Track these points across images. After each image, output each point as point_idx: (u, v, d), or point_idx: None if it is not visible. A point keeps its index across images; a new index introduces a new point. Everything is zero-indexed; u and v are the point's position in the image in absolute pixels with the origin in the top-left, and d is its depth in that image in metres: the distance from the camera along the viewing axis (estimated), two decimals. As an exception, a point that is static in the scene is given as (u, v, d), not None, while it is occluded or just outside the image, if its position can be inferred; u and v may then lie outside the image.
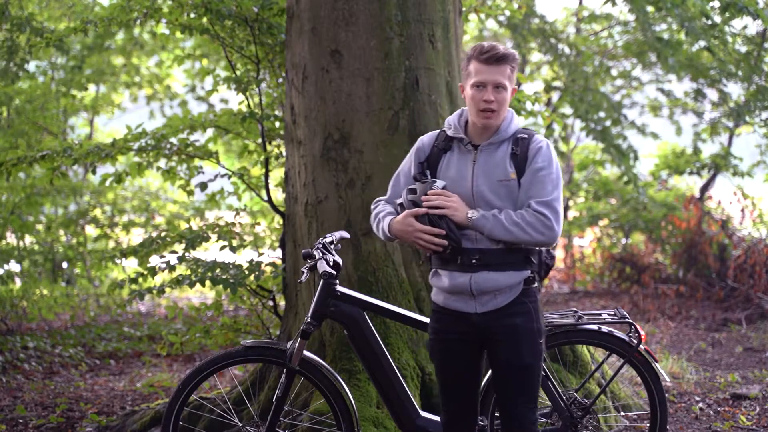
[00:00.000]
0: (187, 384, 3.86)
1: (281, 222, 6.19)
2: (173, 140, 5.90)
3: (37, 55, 9.64)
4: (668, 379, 4.54)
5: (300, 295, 5.00)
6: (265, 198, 5.97)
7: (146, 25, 7.08)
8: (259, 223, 10.69)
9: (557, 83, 12.26)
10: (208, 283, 5.18)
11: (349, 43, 4.88)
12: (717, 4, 8.25)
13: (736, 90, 11.34)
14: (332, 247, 3.89)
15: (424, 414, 3.89)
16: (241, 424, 4.18)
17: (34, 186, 10.51)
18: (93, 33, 9.51)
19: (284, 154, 5.54)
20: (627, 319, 4.01)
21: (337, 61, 4.89)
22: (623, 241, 12.51)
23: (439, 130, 3.54)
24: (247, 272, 5.24)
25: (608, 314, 4.07)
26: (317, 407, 4.42)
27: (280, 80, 5.99)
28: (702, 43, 8.74)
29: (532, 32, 11.31)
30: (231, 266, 5.28)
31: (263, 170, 6.04)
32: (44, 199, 11.17)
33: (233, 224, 5.84)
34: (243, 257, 6.02)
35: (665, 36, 10.35)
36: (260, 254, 5.90)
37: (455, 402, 3.47)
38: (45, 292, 10.59)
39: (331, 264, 3.77)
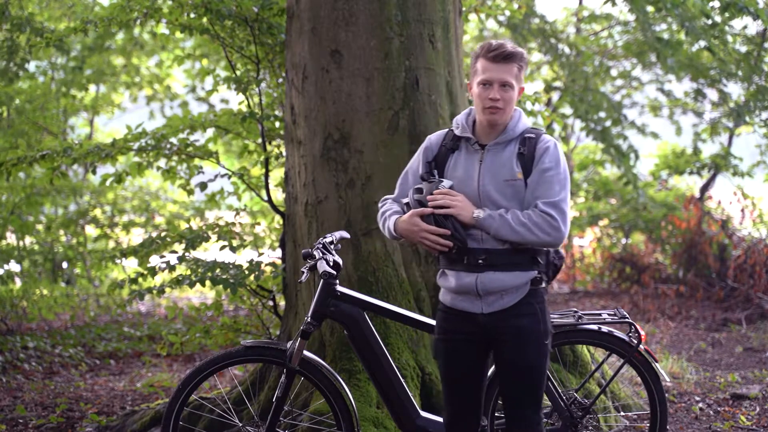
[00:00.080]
0: (187, 384, 3.86)
1: (281, 222, 6.19)
2: (173, 140, 5.90)
3: (37, 55, 9.65)
4: (668, 379, 4.54)
5: (300, 295, 5.00)
6: (265, 198, 5.97)
7: (146, 25, 7.08)
8: (259, 223, 10.69)
9: (557, 83, 12.26)
10: (208, 283, 5.18)
11: (349, 43, 4.88)
12: (717, 4, 8.25)
13: (736, 90, 11.34)
14: (332, 247, 3.89)
15: (424, 414, 3.88)
16: (241, 424, 4.18)
17: (34, 186, 10.51)
18: (93, 33, 9.52)
19: (284, 154, 5.54)
20: (627, 319, 4.01)
21: (337, 61, 4.89)
22: (623, 241, 12.51)
23: (447, 129, 3.52)
24: (247, 272, 5.24)
25: (608, 314, 4.07)
26: (317, 407, 4.42)
27: (280, 80, 5.99)
28: (702, 43, 8.74)
29: (532, 32, 11.31)
30: (231, 266, 5.28)
31: (263, 170, 6.04)
32: (44, 199, 11.17)
33: (233, 224, 5.84)
34: (243, 257, 6.02)
35: (665, 36, 10.35)
36: (260, 254, 5.90)
37: (458, 402, 3.46)
38: (45, 292, 10.59)
39: (331, 264, 3.77)
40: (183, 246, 5.58)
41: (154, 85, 14.32)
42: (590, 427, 4.09)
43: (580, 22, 13.10)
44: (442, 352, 3.45)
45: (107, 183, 6.21)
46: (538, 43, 11.65)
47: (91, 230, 13.55)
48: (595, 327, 4.05)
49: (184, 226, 11.92)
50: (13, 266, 11.41)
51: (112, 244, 13.06)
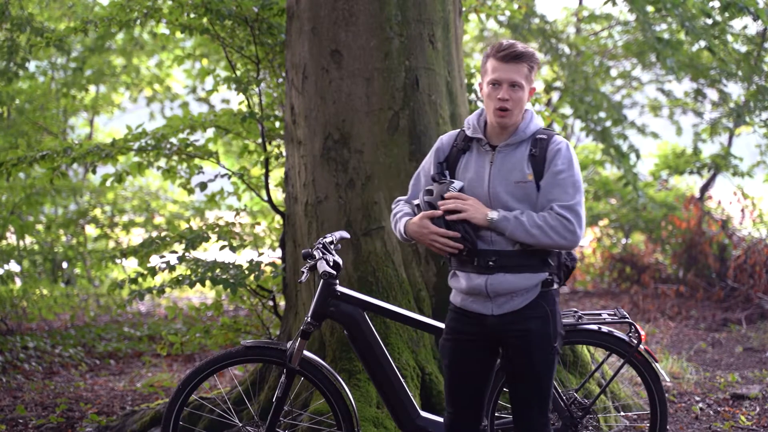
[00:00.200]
0: (187, 384, 3.86)
1: (281, 222, 6.19)
2: (173, 140, 5.90)
3: (37, 54, 9.64)
4: (668, 379, 4.54)
5: (300, 295, 5.00)
6: (265, 198, 5.97)
7: (146, 25, 7.07)
8: (259, 223, 10.68)
9: (557, 83, 12.26)
10: (208, 283, 5.18)
11: (349, 43, 4.88)
12: (717, 4, 8.25)
13: (736, 90, 11.34)
14: (332, 247, 3.89)
15: (424, 414, 3.88)
16: (241, 424, 4.18)
17: (34, 186, 10.50)
18: (93, 33, 9.51)
19: (284, 154, 5.54)
20: (627, 319, 4.01)
21: (337, 61, 4.89)
22: (623, 241, 12.51)
23: (459, 130, 3.49)
24: (247, 272, 5.24)
25: (608, 314, 4.07)
26: (317, 407, 4.42)
27: (280, 80, 5.99)
28: (702, 43, 8.73)
29: (532, 32, 11.31)
30: (231, 266, 5.28)
31: (263, 170, 6.04)
32: (44, 199, 11.16)
33: (233, 224, 5.84)
34: (243, 257, 6.02)
35: (665, 36, 10.35)
36: (260, 254, 5.91)
37: (460, 404, 3.45)
38: (45, 292, 10.58)
39: (331, 264, 3.77)
40: (183, 246, 5.58)
41: (154, 86, 14.32)
42: (590, 427, 4.09)
43: (580, 22, 13.09)
44: (449, 352, 3.43)
45: (107, 183, 6.21)
46: (538, 43, 11.64)
47: (91, 230, 13.54)
48: (595, 327, 4.05)
49: (184, 226, 11.91)
50: (13, 266, 11.41)
51: (112, 244, 13.05)
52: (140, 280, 5.56)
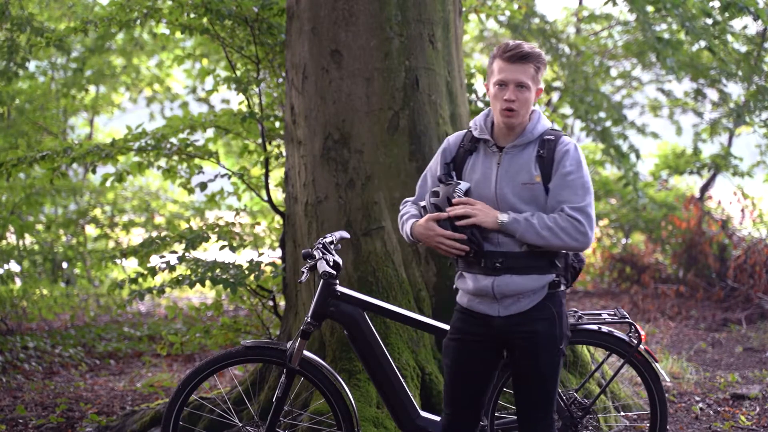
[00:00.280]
0: (187, 384, 3.86)
1: (281, 222, 6.18)
2: (173, 140, 5.90)
3: (37, 54, 9.64)
4: (668, 379, 4.54)
5: (300, 295, 5.00)
6: (265, 198, 5.98)
7: (146, 26, 7.08)
8: (259, 223, 10.68)
9: (557, 83, 12.26)
10: (208, 283, 5.18)
11: (349, 43, 4.88)
12: (717, 4, 8.25)
13: (736, 90, 11.34)
14: (332, 247, 3.89)
15: (424, 414, 3.88)
16: (241, 424, 4.18)
17: (34, 186, 10.50)
18: (93, 33, 9.52)
19: (284, 154, 5.54)
20: (627, 319, 4.01)
21: (337, 61, 4.89)
22: (623, 241, 12.51)
23: (466, 130, 3.48)
24: (247, 272, 5.24)
25: (608, 314, 4.07)
26: (317, 407, 4.42)
27: (280, 80, 5.99)
28: (702, 43, 8.73)
29: (532, 32, 11.31)
30: (231, 266, 5.28)
31: (263, 170, 6.04)
32: (44, 199, 11.16)
33: (233, 224, 5.85)
34: (243, 257, 6.02)
35: (665, 36, 10.35)
36: (260, 254, 5.90)
37: (459, 404, 3.44)
38: (45, 292, 10.59)
39: (331, 264, 3.77)
40: (183, 246, 5.58)
41: (154, 86, 14.32)
42: (590, 427, 4.09)
43: (580, 22, 13.09)
44: (454, 352, 3.42)
45: (107, 183, 6.21)
46: (538, 43, 11.65)
47: (91, 230, 13.54)
48: (595, 327, 4.05)
49: (184, 226, 11.92)
50: (13, 266, 11.41)
51: (112, 244, 13.05)
52: (140, 280, 5.56)
